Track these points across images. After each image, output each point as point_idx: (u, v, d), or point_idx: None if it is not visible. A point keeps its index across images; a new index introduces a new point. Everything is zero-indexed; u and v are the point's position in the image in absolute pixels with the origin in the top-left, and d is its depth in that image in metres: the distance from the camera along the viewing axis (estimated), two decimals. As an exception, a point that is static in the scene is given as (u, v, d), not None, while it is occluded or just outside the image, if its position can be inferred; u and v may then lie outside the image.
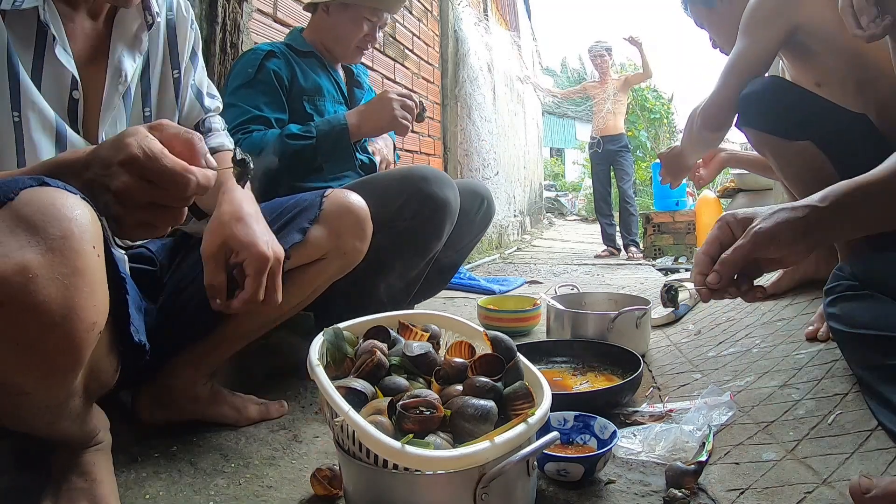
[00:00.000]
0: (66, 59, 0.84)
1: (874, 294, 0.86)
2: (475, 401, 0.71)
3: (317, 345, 0.80)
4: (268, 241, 0.90)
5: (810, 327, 1.27)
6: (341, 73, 1.68)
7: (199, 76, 1.09)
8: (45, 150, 0.81)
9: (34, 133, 0.80)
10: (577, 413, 0.96)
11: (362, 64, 1.82)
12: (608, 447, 0.87)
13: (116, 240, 0.87)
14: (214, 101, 1.13)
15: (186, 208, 0.64)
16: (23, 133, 0.80)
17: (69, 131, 0.85)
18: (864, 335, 0.84)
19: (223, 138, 1.12)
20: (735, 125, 1.52)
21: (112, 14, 0.92)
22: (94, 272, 0.59)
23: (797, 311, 1.50)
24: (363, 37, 1.58)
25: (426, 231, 1.40)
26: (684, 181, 1.99)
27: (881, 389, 0.81)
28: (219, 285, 0.88)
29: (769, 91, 1.39)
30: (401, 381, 0.77)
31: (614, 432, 0.91)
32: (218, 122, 1.14)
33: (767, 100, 1.39)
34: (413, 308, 1.70)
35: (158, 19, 0.96)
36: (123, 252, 0.96)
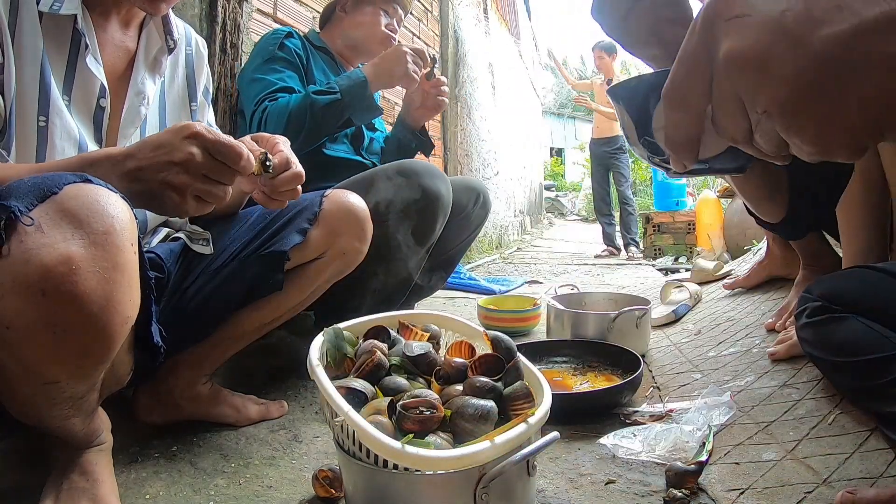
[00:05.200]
0: (96, 68, 0.87)
1: (842, 314, 0.86)
2: (475, 401, 0.71)
3: (317, 345, 0.80)
4: None
5: (769, 320, 1.34)
6: None
7: (210, 119, 1.14)
8: (68, 156, 0.83)
9: (58, 140, 0.83)
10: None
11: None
12: None
13: None
14: None
15: (230, 189, 0.74)
16: (47, 138, 0.82)
17: (88, 144, 0.87)
18: (840, 362, 0.86)
19: None
20: None
21: (141, 28, 0.96)
22: (132, 268, 0.62)
23: (797, 311, 1.50)
24: (385, 27, 1.67)
25: (420, 224, 1.42)
26: (683, 181, 2.00)
27: (871, 406, 0.82)
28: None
29: None
30: (401, 381, 0.77)
31: None
32: None
33: None
34: (413, 307, 1.70)
35: (178, 45, 1.01)
36: None
